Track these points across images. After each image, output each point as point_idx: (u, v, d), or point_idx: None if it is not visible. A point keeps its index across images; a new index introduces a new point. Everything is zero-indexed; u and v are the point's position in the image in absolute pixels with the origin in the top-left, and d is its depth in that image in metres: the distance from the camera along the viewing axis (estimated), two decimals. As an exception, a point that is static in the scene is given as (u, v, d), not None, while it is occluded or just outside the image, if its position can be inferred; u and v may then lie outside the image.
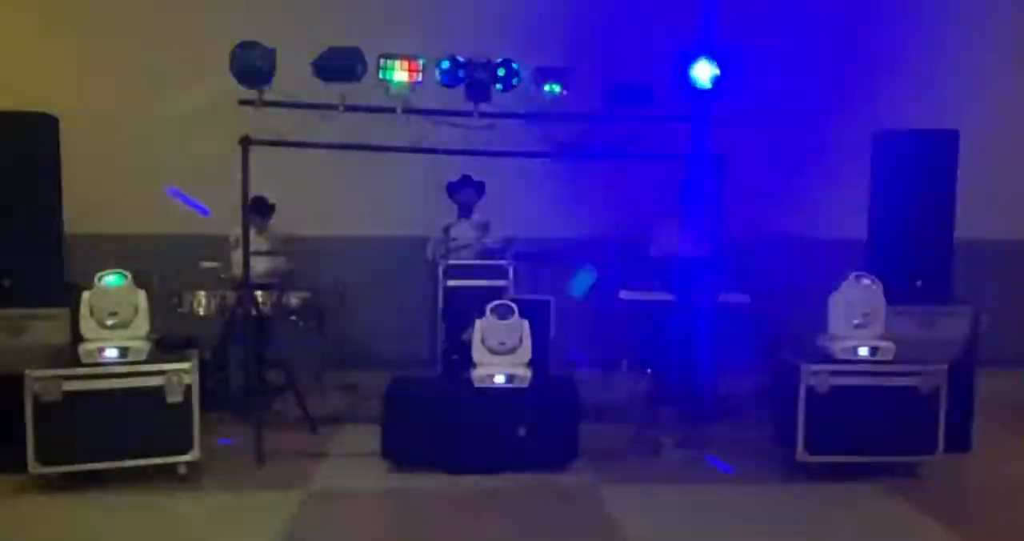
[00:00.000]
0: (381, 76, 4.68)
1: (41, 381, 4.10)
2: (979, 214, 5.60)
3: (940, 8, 7.83)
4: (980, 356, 5.07)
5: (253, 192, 5.03)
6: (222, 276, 5.83)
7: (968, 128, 5.13)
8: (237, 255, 5.50)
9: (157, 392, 4.26)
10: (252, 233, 5.14)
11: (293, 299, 5.98)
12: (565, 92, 4.82)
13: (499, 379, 4.58)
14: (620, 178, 6.68)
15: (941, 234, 5.07)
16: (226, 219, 5.90)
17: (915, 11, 7.78)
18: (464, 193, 6.63)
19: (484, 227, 6.57)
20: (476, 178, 6.60)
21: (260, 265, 5.89)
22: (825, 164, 7.28)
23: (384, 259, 7.28)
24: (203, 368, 4.49)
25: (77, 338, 4.34)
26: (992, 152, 7.13)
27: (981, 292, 5.25)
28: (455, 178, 6.63)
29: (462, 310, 5.70)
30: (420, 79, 4.69)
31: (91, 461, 4.18)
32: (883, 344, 4.55)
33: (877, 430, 4.46)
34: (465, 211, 6.63)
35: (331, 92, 4.67)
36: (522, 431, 4.51)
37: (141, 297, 4.39)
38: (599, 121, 4.91)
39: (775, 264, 6.06)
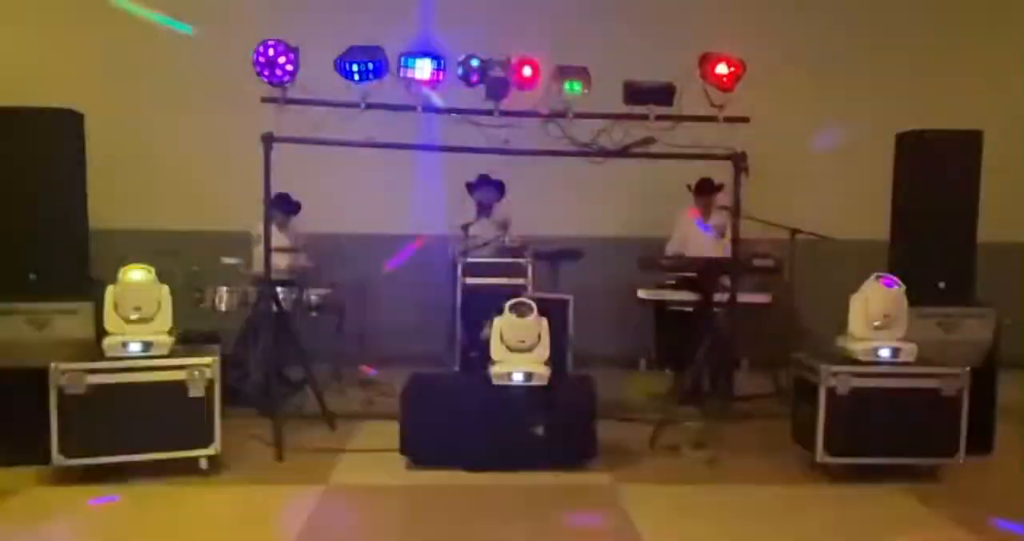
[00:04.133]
0: (402, 75, 4.70)
1: (66, 374, 4.15)
2: (1002, 216, 5.54)
3: (964, 6, 7.76)
4: (1002, 358, 5.02)
5: (276, 190, 5.07)
6: (243, 272, 5.89)
7: (992, 129, 5.08)
8: (259, 251, 5.55)
9: (179, 386, 4.29)
10: (273, 230, 5.17)
11: (313, 296, 6.04)
12: (586, 91, 4.82)
13: (517, 377, 4.58)
14: (639, 177, 6.67)
15: (964, 235, 5.01)
16: (249, 216, 5.95)
17: (939, 10, 7.72)
18: (484, 192, 6.64)
19: (503, 226, 6.58)
20: (495, 177, 6.61)
21: (281, 262, 5.93)
22: (848, 163, 7.24)
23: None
24: (224, 363, 4.52)
25: (101, 332, 4.38)
26: (1016, 153, 7.07)
27: (1004, 294, 5.20)
28: (474, 177, 6.64)
29: (481, 308, 5.71)
30: (441, 78, 4.72)
31: (113, 454, 4.22)
32: (905, 346, 4.52)
33: (898, 432, 4.42)
34: (485, 210, 6.64)
35: (352, 90, 4.70)
36: (540, 429, 4.51)
37: (164, 292, 4.43)
38: (619, 120, 4.90)
39: (796, 264, 6.03)
